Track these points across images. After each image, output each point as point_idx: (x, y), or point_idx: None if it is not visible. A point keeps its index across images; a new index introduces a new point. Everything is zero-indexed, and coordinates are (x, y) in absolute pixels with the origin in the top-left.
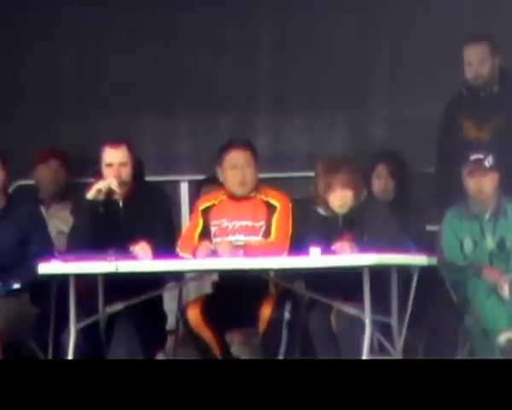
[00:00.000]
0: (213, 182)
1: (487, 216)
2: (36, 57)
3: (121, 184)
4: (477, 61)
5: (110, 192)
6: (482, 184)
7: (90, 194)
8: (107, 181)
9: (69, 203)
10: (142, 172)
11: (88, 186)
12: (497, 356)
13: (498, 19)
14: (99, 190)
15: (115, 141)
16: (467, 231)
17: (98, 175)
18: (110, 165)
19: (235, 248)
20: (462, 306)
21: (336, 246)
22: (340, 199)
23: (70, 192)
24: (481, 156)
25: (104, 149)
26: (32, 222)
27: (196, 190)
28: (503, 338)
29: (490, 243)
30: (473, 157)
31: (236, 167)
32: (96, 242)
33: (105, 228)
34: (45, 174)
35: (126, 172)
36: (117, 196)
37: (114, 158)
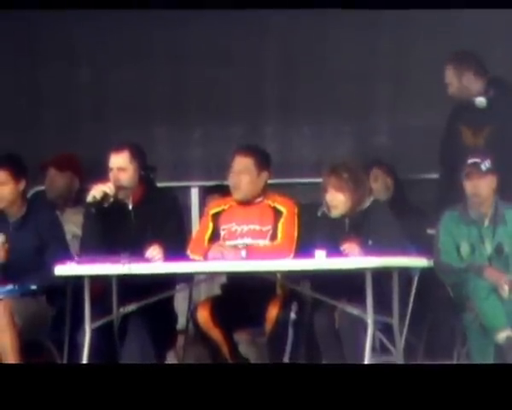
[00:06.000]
0: (218, 190)
1: (486, 222)
2: (55, 71)
3: (119, 188)
4: (447, 82)
5: (105, 196)
6: (479, 186)
7: (88, 198)
8: (103, 186)
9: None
10: (153, 178)
11: (88, 191)
12: (494, 354)
13: (496, 33)
14: (94, 195)
15: (118, 146)
16: (464, 236)
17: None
18: (110, 169)
19: (238, 250)
20: (461, 303)
21: (345, 246)
22: (331, 200)
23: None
24: (478, 160)
25: (110, 154)
26: (51, 230)
27: (203, 198)
28: (502, 336)
29: (488, 248)
30: (470, 161)
31: (233, 172)
32: (106, 244)
33: (114, 231)
34: (45, 183)
35: (125, 177)
36: (111, 200)
37: (114, 163)
